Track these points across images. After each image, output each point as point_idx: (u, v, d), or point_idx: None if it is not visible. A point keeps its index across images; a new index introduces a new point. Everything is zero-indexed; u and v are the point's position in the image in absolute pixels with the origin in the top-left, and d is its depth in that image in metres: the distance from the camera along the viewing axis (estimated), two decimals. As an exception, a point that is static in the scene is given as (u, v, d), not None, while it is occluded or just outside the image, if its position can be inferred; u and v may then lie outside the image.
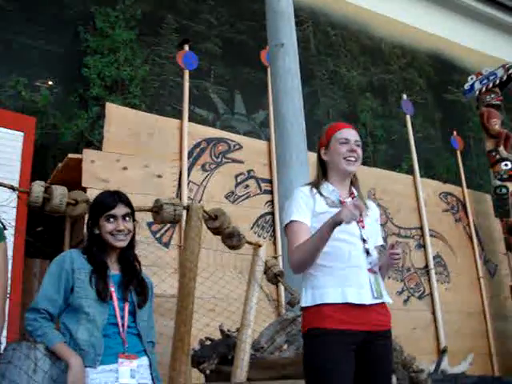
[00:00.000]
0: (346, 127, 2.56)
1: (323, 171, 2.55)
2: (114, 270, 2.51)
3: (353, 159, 2.49)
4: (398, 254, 2.37)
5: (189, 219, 3.12)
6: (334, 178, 2.52)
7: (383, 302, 2.40)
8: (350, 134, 2.53)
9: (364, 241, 2.41)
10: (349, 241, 2.38)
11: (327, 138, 2.53)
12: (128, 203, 2.56)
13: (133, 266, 2.58)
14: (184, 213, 3.27)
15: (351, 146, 2.49)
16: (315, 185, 2.51)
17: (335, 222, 2.22)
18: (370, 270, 2.38)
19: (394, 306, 6.86)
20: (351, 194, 2.54)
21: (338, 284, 2.31)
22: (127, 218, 2.52)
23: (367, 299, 2.32)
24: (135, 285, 2.52)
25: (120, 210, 2.50)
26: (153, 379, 2.46)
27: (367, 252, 2.40)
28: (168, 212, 3.02)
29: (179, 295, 3.13)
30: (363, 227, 2.43)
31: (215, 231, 3.45)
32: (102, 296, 2.38)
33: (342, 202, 2.44)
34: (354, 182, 2.58)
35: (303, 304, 2.36)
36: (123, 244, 2.51)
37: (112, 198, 2.53)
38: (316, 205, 2.42)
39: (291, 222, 2.41)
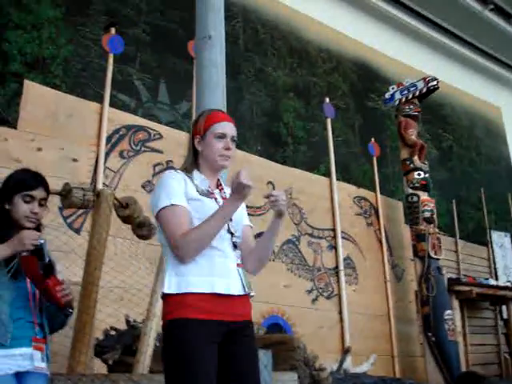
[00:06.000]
0: (225, 120, 2.42)
1: (195, 158, 2.42)
2: None
3: (228, 157, 2.38)
4: (273, 196, 2.26)
5: (98, 205, 3.06)
6: (206, 168, 2.41)
7: (246, 294, 2.30)
8: (229, 128, 2.40)
9: (232, 234, 2.33)
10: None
11: (204, 128, 2.38)
12: (47, 188, 2.57)
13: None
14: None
15: (227, 143, 2.37)
16: (186, 171, 2.37)
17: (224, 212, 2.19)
18: (238, 265, 2.32)
19: (302, 305, 7.06)
20: (219, 185, 2.45)
21: (206, 273, 2.21)
22: (43, 203, 2.53)
23: (235, 290, 2.25)
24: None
25: (39, 192, 2.52)
26: None
27: (235, 246, 2.33)
28: (77, 197, 2.96)
29: (83, 283, 3.06)
30: (231, 220, 2.33)
31: (125, 220, 3.39)
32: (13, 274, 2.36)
33: (210, 193, 2.35)
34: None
35: (166, 290, 2.20)
36: (32, 226, 2.49)
37: (34, 179, 2.55)
38: (188, 189, 2.29)
39: (172, 205, 2.22)
